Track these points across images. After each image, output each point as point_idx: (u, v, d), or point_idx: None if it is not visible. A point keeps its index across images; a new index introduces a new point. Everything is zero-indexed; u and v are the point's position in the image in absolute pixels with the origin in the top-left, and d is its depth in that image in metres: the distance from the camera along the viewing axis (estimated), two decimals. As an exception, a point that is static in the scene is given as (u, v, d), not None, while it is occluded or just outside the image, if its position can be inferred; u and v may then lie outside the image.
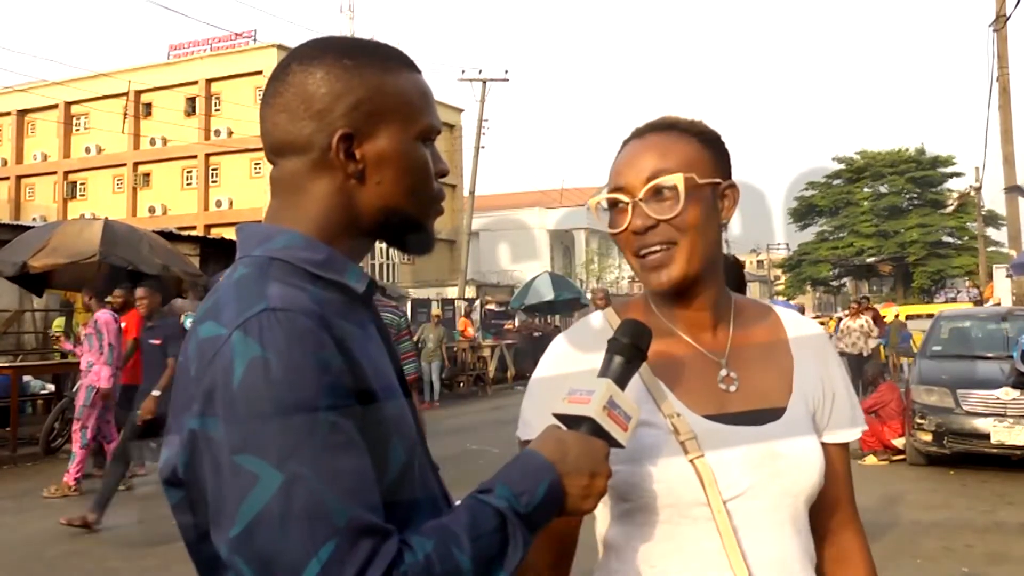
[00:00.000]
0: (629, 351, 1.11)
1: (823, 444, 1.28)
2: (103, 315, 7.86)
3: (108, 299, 8.48)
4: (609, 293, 8.83)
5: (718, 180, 1.24)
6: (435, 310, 18.61)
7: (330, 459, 0.86)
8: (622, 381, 1.09)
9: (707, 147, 1.25)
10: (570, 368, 1.23)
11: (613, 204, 1.24)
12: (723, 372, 1.25)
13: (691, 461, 1.16)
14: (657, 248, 1.20)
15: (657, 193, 1.20)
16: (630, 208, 1.21)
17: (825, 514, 1.30)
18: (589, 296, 8.72)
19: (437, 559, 0.87)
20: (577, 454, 1.01)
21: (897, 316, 18.87)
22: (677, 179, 1.19)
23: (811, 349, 1.31)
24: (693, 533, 1.17)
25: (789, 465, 1.20)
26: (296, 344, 0.89)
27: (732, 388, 1.24)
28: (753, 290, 59.14)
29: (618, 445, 1.06)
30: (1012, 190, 16.42)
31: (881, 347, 15.80)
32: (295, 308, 0.91)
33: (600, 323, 1.30)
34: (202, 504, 0.91)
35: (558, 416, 1.07)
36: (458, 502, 1.02)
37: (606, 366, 1.11)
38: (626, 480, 1.18)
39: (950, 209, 38.97)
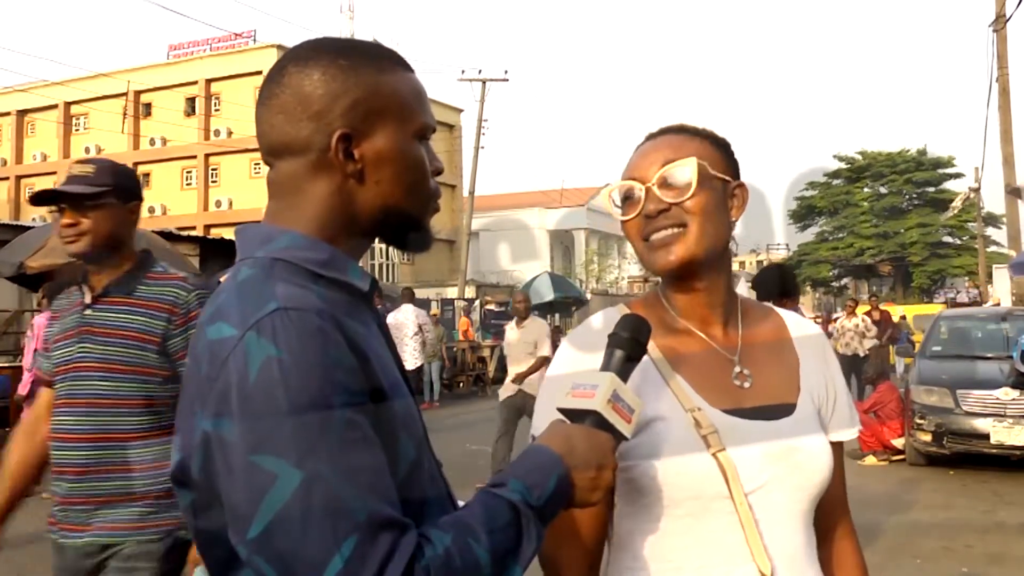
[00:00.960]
0: (629, 345, 1.13)
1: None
2: (38, 319, 7.96)
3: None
4: (529, 297, 8.78)
5: (728, 178, 1.27)
6: (434, 309, 18.57)
7: (347, 456, 0.87)
8: (624, 374, 1.11)
9: (717, 148, 1.29)
10: (588, 361, 1.24)
11: (626, 198, 1.27)
12: (737, 369, 1.27)
13: (714, 455, 1.18)
14: (666, 229, 1.23)
15: (670, 179, 1.23)
16: (643, 193, 1.24)
17: (822, 512, 1.31)
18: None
19: (456, 552, 0.88)
20: (584, 448, 1.02)
21: (903, 317, 18.87)
22: (690, 163, 1.22)
23: (813, 349, 1.35)
24: (715, 526, 1.18)
25: (805, 460, 1.22)
26: (309, 343, 0.89)
27: (746, 384, 1.26)
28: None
29: (623, 437, 1.07)
30: (1012, 192, 16.41)
31: (891, 348, 15.63)
32: (306, 307, 0.92)
33: (602, 323, 1.32)
34: (216, 505, 0.91)
35: (563, 411, 1.08)
36: (460, 502, 1.02)
37: (607, 360, 1.13)
38: (647, 473, 1.19)
39: (951, 213, 38.90)
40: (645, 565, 1.21)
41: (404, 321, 13.08)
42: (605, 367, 1.12)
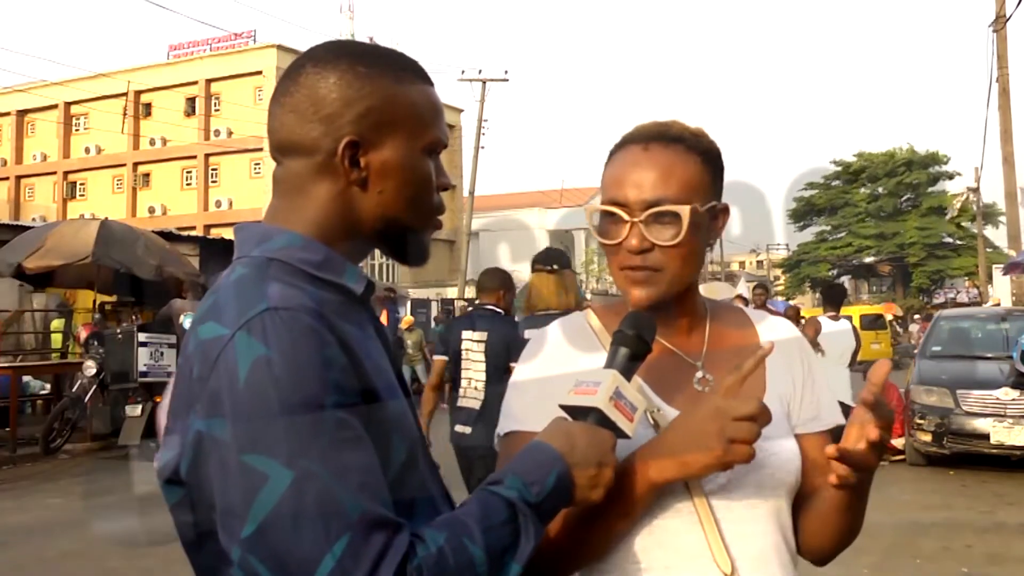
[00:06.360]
0: (634, 343, 1.12)
1: (803, 435, 1.28)
2: None
3: None
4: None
5: (715, 203, 1.24)
6: (407, 316, 17.98)
7: (339, 455, 0.87)
8: (627, 372, 1.10)
9: (708, 167, 1.24)
10: (556, 364, 1.25)
11: (609, 213, 1.23)
12: (699, 374, 1.26)
13: None
14: (644, 271, 1.21)
15: (658, 216, 1.19)
16: (627, 226, 1.20)
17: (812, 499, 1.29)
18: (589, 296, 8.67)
19: (450, 551, 0.88)
20: (585, 445, 1.02)
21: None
22: (683, 211, 1.18)
23: (784, 352, 1.31)
24: (675, 526, 1.17)
25: (766, 458, 1.20)
26: (300, 342, 0.89)
27: (707, 389, 1.25)
28: (752, 290, 58.93)
29: (624, 435, 1.06)
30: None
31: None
32: (297, 307, 0.92)
33: (582, 323, 1.32)
34: (203, 505, 0.91)
35: (564, 408, 1.07)
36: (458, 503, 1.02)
37: (611, 358, 1.12)
38: None
39: (953, 212, 38.69)
40: (613, 567, 1.19)
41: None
42: (609, 364, 1.11)
